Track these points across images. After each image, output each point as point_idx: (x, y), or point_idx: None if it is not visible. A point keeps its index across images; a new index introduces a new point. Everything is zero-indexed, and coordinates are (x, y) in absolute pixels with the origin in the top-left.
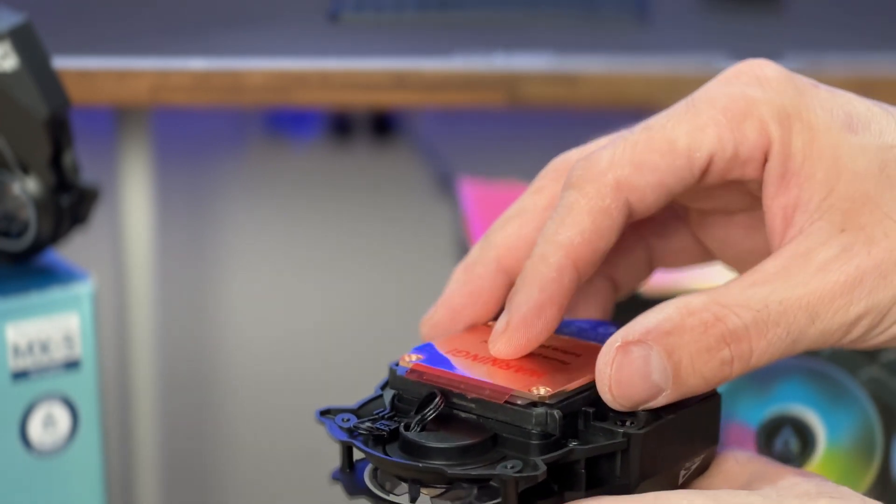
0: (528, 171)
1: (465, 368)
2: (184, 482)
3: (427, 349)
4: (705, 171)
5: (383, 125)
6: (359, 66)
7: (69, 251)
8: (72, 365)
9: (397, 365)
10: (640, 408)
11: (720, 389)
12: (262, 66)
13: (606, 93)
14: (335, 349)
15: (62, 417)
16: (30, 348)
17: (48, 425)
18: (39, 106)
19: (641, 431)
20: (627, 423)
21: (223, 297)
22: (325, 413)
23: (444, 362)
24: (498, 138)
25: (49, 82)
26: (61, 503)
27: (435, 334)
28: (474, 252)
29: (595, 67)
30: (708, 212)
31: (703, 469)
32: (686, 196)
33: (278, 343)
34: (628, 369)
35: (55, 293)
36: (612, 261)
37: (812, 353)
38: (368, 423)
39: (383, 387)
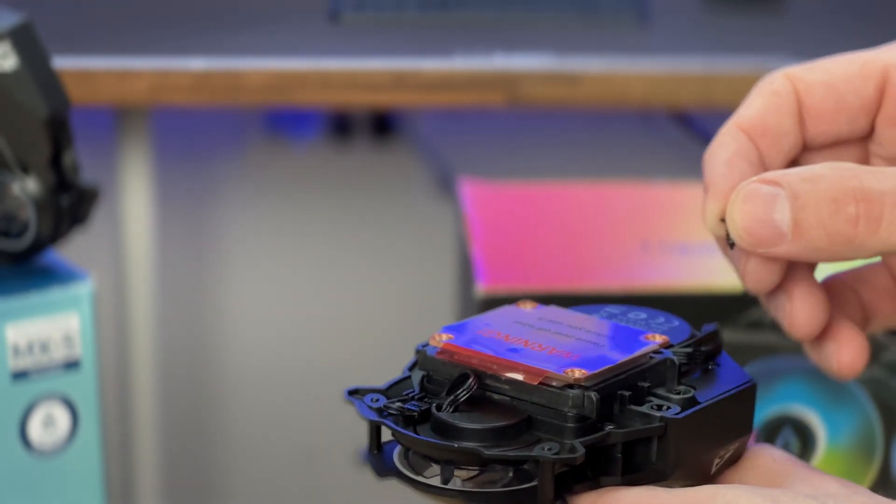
0: (528, 171)
1: (498, 349)
2: (183, 482)
3: (457, 329)
4: (882, 91)
5: (383, 125)
6: (359, 66)
7: (69, 251)
8: (72, 365)
9: (425, 346)
10: (764, 251)
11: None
12: (262, 66)
13: (607, 93)
14: (335, 349)
15: (62, 417)
16: (30, 348)
17: (48, 425)
18: (39, 106)
19: (679, 417)
20: (664, 409)
21: (223, 296)
22: (353, 393)
23: (476, 342)
24: (498, 138)
25: (49, 82)
26: (61, 503)
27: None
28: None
29: (595, 67)
30: None
31: (734, 460)
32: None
33: (278, 342)
34: (753, 203)
35: (55, 293)
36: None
37: None
38: (398, 404)
39: (411, 368)
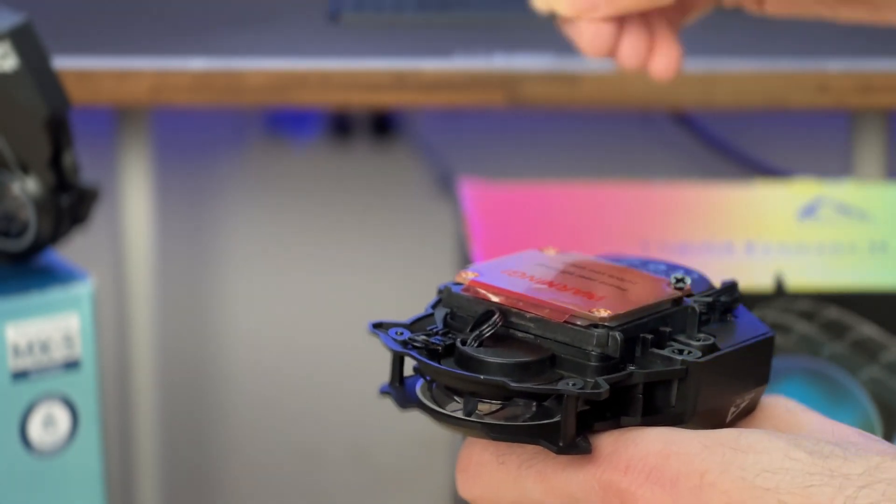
0: (528, 171)
1: (523, 287)
2: (183, 482)
3: (482, 268)
4: None
5: (383, 125)
6: (359, 66)
7: (69, 251)
8: (72, 365)
9: (453, 284)
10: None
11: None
12: (262, 66)
13: (606, 93)
14: (335, 349)
15: (62, 417)
16: (30, 348)
17: (48, 425)
18: (39, 106)
19: (701, 360)
20: (685, 353)
21: (223, 297)
22: (377, 326)
23: (502, 280)
24: (498, 138)
25: (49, 82)
26: (61, 503)
27: None
28: None
29: (595, 67)
30: None
31: (749, 410)
32: None
33: (278, 343)
34: None
35: (55, 293)
36: None
37: (812, 353)
38: (423, 337)
39: (434, 306)
